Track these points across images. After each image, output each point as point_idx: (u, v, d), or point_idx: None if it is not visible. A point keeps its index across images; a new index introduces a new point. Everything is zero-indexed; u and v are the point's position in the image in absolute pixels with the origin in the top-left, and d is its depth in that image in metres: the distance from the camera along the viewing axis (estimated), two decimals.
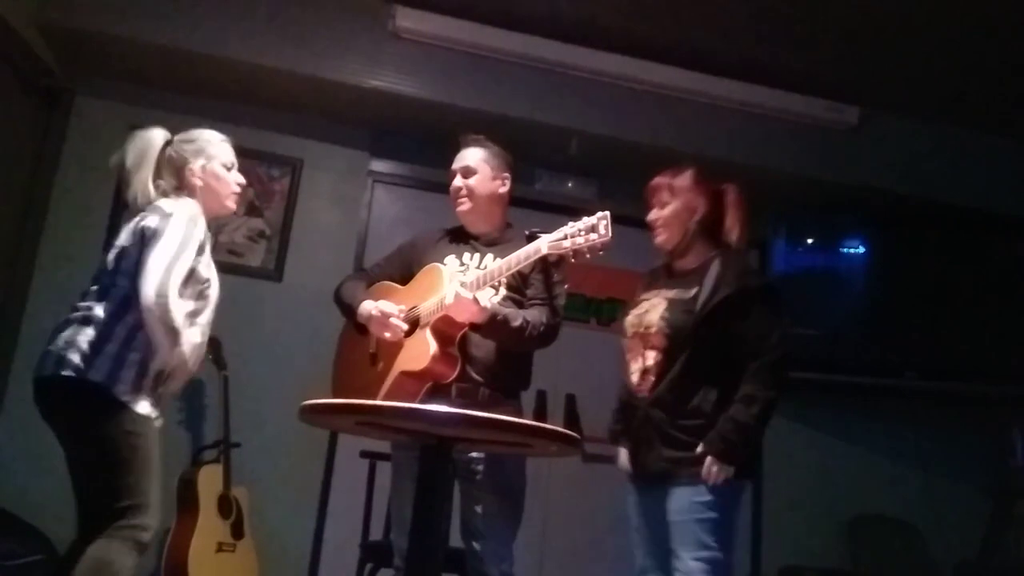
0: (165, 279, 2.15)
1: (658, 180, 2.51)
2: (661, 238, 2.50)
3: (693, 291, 2.37)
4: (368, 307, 2.47)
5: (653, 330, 2.37)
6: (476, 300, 2.27)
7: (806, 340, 4.05)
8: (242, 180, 2.47)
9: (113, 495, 2.13)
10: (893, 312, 4.16)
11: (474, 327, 2.34)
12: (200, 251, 2.26)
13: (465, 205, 2.58)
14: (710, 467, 2.24)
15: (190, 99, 3.99)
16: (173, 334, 2.17)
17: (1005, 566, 4.00)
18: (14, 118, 3.70)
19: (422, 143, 4.18)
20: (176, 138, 2.45)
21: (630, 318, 2.48)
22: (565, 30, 3.83)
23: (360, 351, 2.55)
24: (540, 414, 3.86)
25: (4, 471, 3.56)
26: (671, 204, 2.47)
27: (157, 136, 2.43)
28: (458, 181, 2.59)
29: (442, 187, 4.11)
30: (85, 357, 2.17)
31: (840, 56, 3.85)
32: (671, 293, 2.42)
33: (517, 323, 2.35)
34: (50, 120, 3.88)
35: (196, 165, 2.39)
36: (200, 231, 2.28)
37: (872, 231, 4.30)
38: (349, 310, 2.56)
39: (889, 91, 4.07)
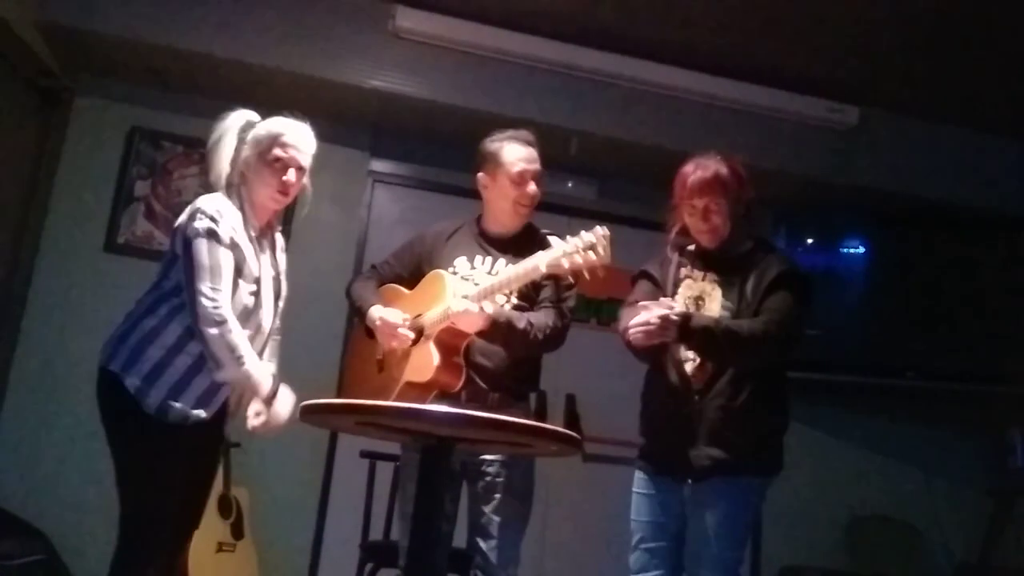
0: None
1: (713, 173, 2.36)
2: (710, 239, 2.40)
3: (738, 278, 2.36)
4: (375, 315, 2.45)
5: None
6: (482, 309, 2.25)
7: (806, 340, 4.04)
8: (291, 180, 2.25)
9: (125, 497, 2.11)
10: (893, 312, 4.15)
11: (480, 333, 2.33)
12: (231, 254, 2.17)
13: (531, 214, 2.54)
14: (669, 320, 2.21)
15: (190, 99, 3.99)
16: (233, 351, 2.11)
17: (1005, 566, 4.00)
18: (14, 118, 3.70)
19: (422, 143, 4.18)
20: (257, 123, 2.31)
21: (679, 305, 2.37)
22: (565, 30, 3.83)
23: (369, 355, 2.55)
24: (540, 414, 3.86)
25: (4, 471, 3.56)
26: (724, 203, 2.37)
27: (236, 119, 2.31)
28: (534, 189, 2.50)
29: (442, 187, 4.17)
30: (111, 346, 2.17)
31: (840, 56, 3.85)
32: (716, 279, 2.39)
33: (521, 326, 2.34)
34: (50, 120, 3.88)
35: (246, 154, 2.26)
36: (224, 236, 2.16)
37: (872, 231, 4.30)
38: (359, 313, 2.55)
39: (889, 91, 4.07)
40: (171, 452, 2.12)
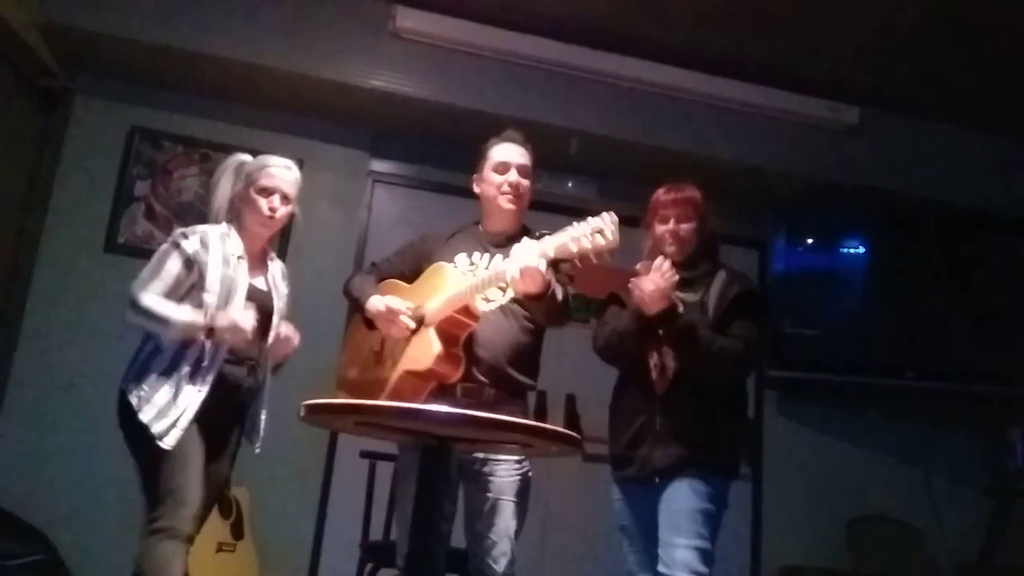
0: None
1: (688, 194, 2.58)
2: (676, 248, 2.55)
3: (699, 293, 2.50)
4: (376, 303, 2.47)
5: None
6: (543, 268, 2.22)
7: (806, 340, 4.06)
8: (276, 206, 2.49)
9: (144, 490, 2.30)
10: (893, 312, 4.16)
11: (532, 297, 2.29)
12: (188, 265, 2.40)
13: (514, 205, 2.55)
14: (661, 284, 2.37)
15: (190, 99, 4.00)
16: (150, 315, 2.33)
17: (1005, 566, 4.00)
18: (14, 118, 3.70)
19: (422, 143, 4.18)
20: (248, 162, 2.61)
21: None
22: (565, 30, 3.83)
23: (366, 346, 2.56)
24: (540, 414, 3.86)
25: (4, 471, 3.56)
26: (694, 220, 2.56)
27: (232, 161, 2.59)
28: (515, 177, 2.54)
29: (442, 187, 4.17)
30: (127, 366, 2.41)
31: (840, 56, 3.85)
32: (680, 295, 2.49)
33: (561, 296, 2.39)
34: (50, 120, 3.88)
35: (237, 189, 2.54)
36: (187, 247, 2.41)
37: (872, 231, 4.30)
38: (357, 304, 2.56)
39: (889, 91, 4.07)
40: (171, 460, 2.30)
